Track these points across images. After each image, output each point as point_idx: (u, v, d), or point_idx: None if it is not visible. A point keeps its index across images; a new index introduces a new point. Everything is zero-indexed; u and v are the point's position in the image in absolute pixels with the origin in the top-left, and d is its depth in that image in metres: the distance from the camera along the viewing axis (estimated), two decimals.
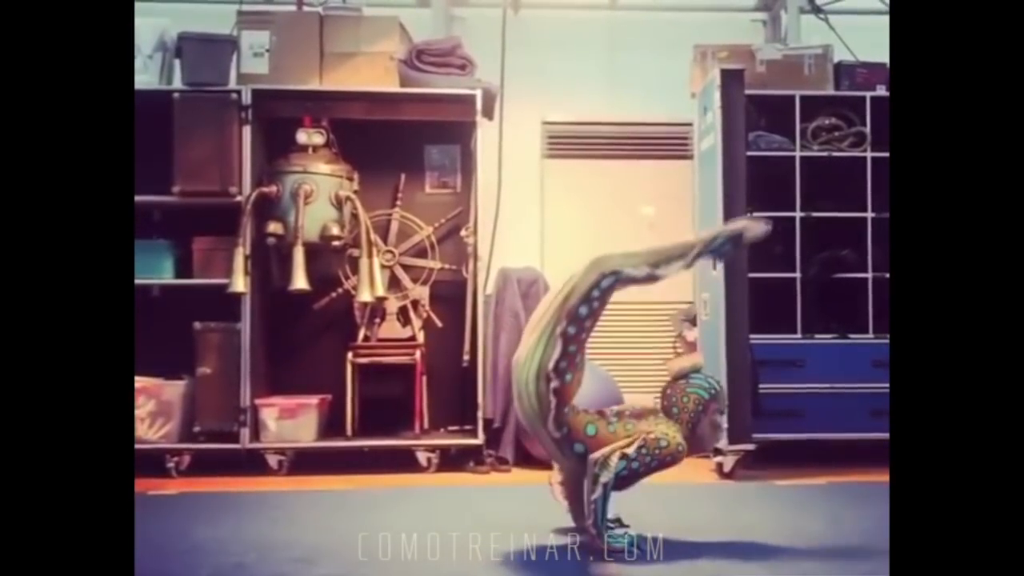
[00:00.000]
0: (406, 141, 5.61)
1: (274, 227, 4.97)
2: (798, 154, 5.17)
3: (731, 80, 4.88)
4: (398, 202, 5.56)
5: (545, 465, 4.89)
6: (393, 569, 3.00)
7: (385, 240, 5.49)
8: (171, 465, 4.83)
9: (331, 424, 5.19)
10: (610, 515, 3.19)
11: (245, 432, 4.90)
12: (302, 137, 5.08)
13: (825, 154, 5.21)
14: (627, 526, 3.28)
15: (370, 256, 5.03)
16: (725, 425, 3.45)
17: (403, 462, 4.96)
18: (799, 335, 5.07)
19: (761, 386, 4.86)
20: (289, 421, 4.98)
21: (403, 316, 5.37)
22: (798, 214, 5.13)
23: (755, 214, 4.98)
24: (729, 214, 4.74)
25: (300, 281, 4.91)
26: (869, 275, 5.13)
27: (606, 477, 3.09)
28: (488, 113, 5.44)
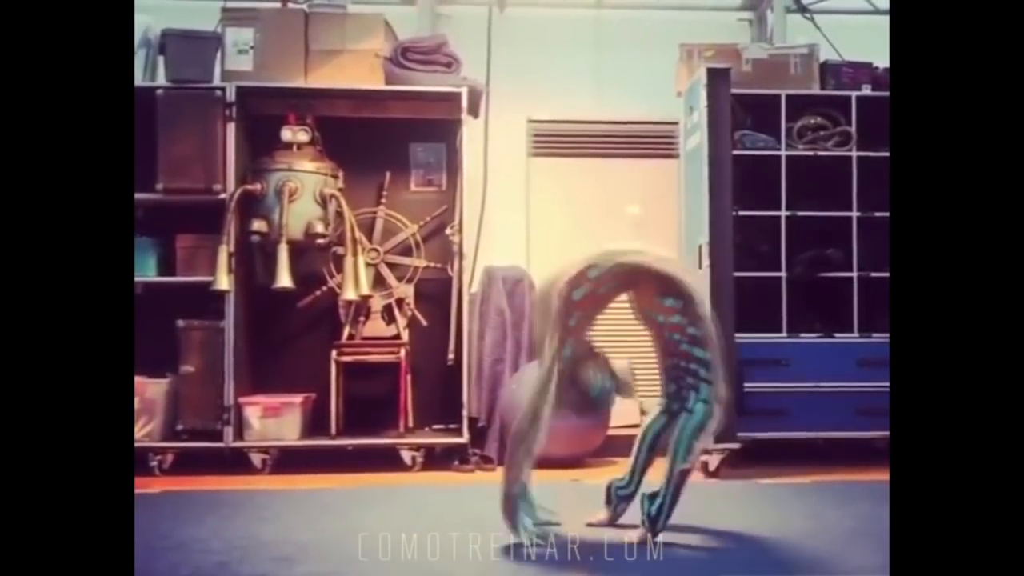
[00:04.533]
0: (391, 139, 5.60)
1: (258, 225, 4.95)
2: (784, 153, 5.18)
3: (717, 79, 4.89)
4: (383, 200, 5.54)
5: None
6: (376, 568, 2.99)
7: (370, 238, 5.47)
8: (154, 464, 4.81)
9: (315, 423, 5.17)
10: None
11: (229, 431, 4.88)
12: (287, 135, 5.06)
13: (811, 153, 5.21)
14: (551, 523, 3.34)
15: (355, 254, 5.01)
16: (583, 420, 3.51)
17: (388, 461, 4.94)
18: (784, 334, 5.08)
19: (746, 385, 4.87)
20: (273, 420, 4.96)
21: (388, 314, 5.36)
22: (783, 213, 5.13)
23: (740, 213, 5.00)
24: (715, 213, 4.75)
25: (284, 279, 4.89)
26: (854, 274, 5.14)
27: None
28: (474, 111, 5.43)
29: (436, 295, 5.45)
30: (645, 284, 3.29)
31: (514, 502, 3.18)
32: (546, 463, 4.89)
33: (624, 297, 3.40)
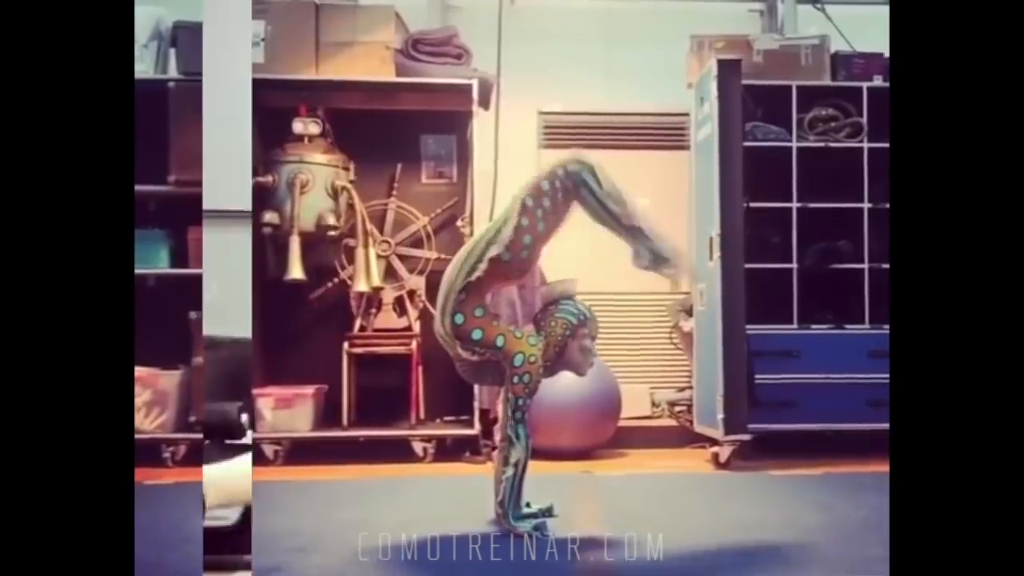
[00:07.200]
0: (402, 131, 5.61)
1: (270, 217, 4.97)
2: (795, 144, 5.17)
3: (728, 70, 4.88)
4: (394, 192, 5.55)
5: (541, 455, 4.91)
6: (389, 559, 3.00)
7: (381, 230, 5.48)
8: (167, 455, 4.83)
9: (327, 414, 5.19)
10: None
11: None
12: (298, 127, 5.07)
13: (822, 144, 5.20)
14: (542, 512, 3.40)
15: (366, 246, 5.03)
16: (596, 352, 3.47)
17: (399, 452, 4.96)
18: (795, 326, 5.08)
19: (757, 377, 4.87)
20: (285, 411, 4.98)
21: (399, 306, 5.37)
22: (795, 204, 5.12)
23: (751, 204, 4.99)
24: (725, 204, 4.75)
25: (296, 271, 4.91)
26: (865, 266, 5.14)
27: (516, 455, 3.25)
28: (484, 103, 5.43)
29: None
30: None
31: (506, 510, 3.25)
32: (557, 455, 4.94)
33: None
